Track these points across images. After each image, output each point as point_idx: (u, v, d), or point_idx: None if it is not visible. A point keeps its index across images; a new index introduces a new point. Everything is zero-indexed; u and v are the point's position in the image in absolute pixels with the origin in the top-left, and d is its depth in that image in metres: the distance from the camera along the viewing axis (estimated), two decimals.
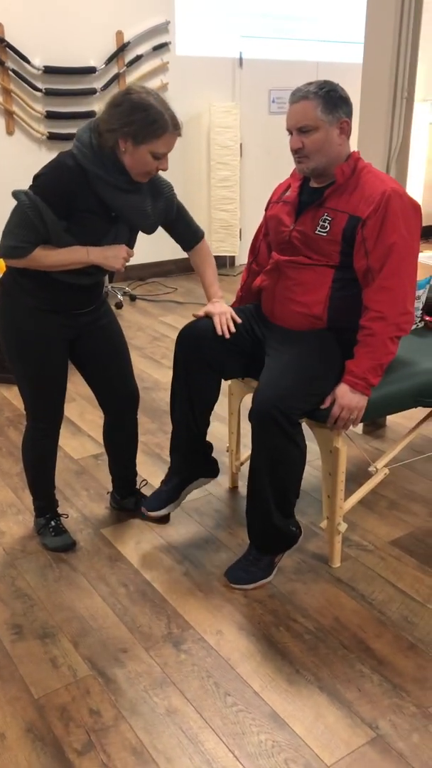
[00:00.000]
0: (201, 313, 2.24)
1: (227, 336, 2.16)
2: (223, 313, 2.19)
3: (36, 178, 1.93)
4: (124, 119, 1.85)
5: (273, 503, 2.08)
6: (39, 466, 2.33)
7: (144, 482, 2.67)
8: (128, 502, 2.56)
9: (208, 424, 2.34)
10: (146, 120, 1.84)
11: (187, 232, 2.25)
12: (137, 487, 2.57)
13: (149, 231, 2.11)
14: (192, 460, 2.35)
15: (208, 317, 2.21)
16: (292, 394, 2.00)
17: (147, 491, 2.66)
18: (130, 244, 2.10)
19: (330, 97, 2.02)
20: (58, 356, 2.14)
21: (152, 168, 1.93)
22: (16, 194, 1.90)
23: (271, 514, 2.09)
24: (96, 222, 1.97)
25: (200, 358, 2.19)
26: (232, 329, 2.18)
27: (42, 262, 1.95)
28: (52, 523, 2.40)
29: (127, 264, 2.12)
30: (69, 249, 1.96)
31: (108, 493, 2.67)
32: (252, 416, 2.02)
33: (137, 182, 1.97)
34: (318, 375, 2.08)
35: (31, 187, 1.91)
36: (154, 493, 2.36)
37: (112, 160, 1.91)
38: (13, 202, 1.92)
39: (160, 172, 2.01)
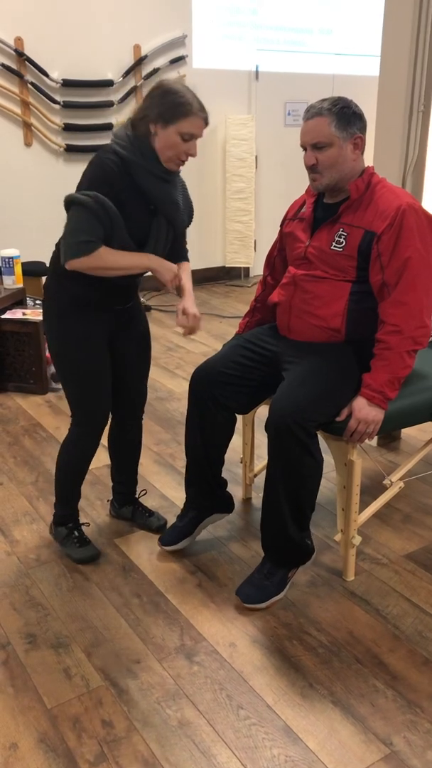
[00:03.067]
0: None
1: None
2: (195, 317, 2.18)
3: (82, 178, 1.99)
4: (154, 103, 1.97)
5: (288, 515, 2.07)
6: (75, 470, 2.32)
7: (143, 492, 2.67)
8: (126, 510, 2.57)
9: (222, 462, 2.37)
10: (174, 101, 1.95)
11: (179, 246, 2.28)
12: (136, 496, 2.58)
13: (180, 224, 2.16)
14: (206, 496, 2.38)
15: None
16: (308, 405, 2.00)
17: (146, 501, 2.66)
18: (168, 239, 2.15)
19: (343, 114, 2.03)
20: (102, 353, 2.19)
21: (181, 150, 1.99)
22: (71, 196, 1.96)
23: (287, 526, 2.08)
24: (138, 215, 2.03)
25: (212, 399, 2.22)
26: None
27: (107, 261, 1.99)
28: (75, 533, 2.39)
29: (144, 274, 2.17)
30: (132, 253, 2.03)
31: (108, 501, 2.68)
32: (268, 427, 2.02)
33: (171, 173, 2.05)
34: (335, 387, 2.07)
35: (79, 190, 1.97)
36: (170, 528, 2.40)
37: (148, 148, 1.99)
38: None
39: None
